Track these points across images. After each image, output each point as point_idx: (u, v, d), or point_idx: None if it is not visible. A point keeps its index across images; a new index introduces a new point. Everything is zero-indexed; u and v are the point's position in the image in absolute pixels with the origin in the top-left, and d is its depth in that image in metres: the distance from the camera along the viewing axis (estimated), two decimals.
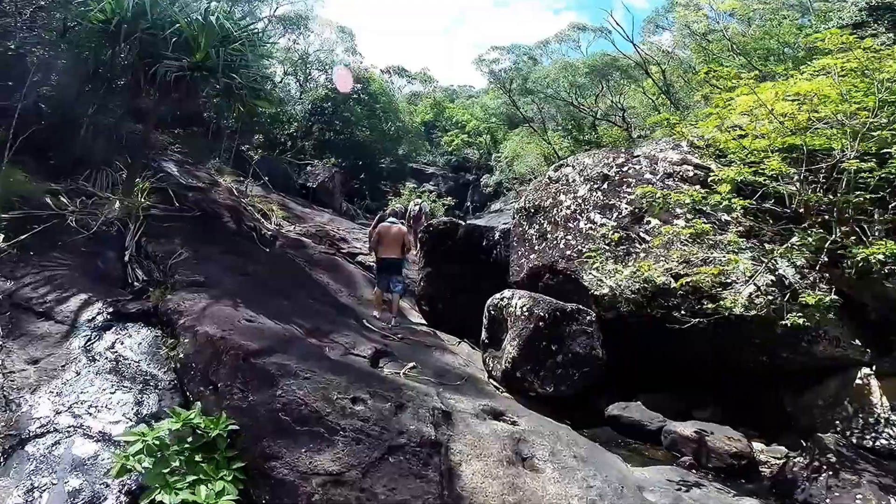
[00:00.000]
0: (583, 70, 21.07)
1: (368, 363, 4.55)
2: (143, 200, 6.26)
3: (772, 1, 16.55)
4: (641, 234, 5.71)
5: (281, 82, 20.38)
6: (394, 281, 6.68)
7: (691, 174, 5.85)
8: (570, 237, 6.25)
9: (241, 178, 9.89)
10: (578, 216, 6.33)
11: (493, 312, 5.68)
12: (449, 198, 22.00)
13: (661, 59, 18.87)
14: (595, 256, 5.71)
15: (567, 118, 22.83)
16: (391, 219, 7.03)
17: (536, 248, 6.74)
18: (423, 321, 7.85)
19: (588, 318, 5.48)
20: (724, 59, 15.64)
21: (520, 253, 7.02)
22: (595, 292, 5.65)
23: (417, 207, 12.36)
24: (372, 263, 8.40)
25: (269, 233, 7.51)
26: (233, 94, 7.35)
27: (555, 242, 6.40)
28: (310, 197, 15.92)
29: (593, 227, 6.08)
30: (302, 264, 7.20)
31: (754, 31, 16.37)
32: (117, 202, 6.08)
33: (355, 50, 23.33)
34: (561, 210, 6.60)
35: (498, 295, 5.71)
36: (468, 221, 21.56)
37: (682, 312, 4.86)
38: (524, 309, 5.23)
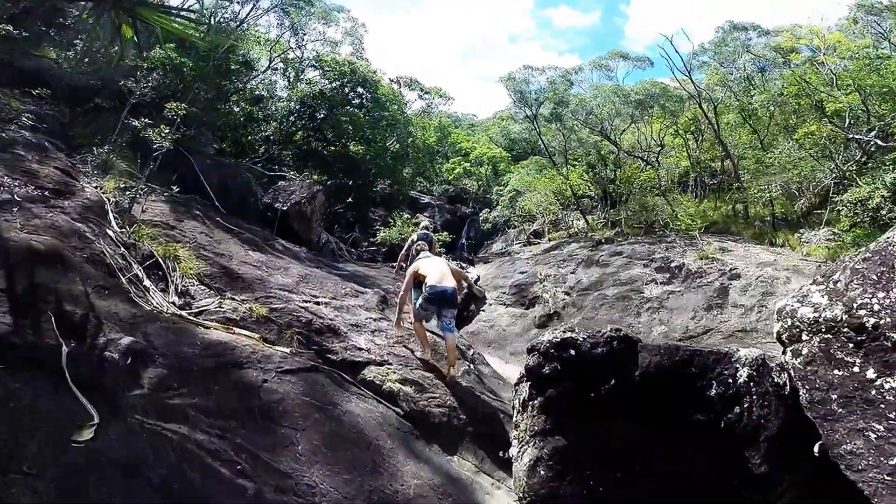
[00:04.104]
0: (633, 97, 17.47)
1: None
2: None
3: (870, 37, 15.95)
4: None
5: (266, 72, 15.65)
6: (449, 317, 4.87)
7: None
8: None
9: (131, 184, 4.80)
10: None
11: None
12: (445, 232, 18.29)
13: (716, 95, 16.61)
14: None
15: (593, 151, 19.39)
16: (424, 252, 5.49)
17: None
18: None
19: None
20: (823, 97, 13.44)
21: (872, 437, 2.27)
22: None
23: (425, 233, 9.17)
24: (393, 385, 4.19)
25: (130, 340, 2.49)
26: None
27: None
28: (276, 223, 10.58)
29: None
30: (203, 457, 2.20)
31: (849, 67, 14.13)
32: None
33: (362, 53, 18.99)
34: None
35: None
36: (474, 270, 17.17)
37: None
38: None
